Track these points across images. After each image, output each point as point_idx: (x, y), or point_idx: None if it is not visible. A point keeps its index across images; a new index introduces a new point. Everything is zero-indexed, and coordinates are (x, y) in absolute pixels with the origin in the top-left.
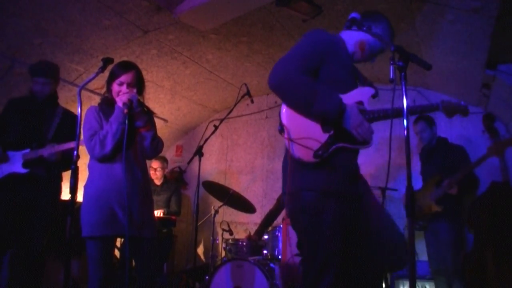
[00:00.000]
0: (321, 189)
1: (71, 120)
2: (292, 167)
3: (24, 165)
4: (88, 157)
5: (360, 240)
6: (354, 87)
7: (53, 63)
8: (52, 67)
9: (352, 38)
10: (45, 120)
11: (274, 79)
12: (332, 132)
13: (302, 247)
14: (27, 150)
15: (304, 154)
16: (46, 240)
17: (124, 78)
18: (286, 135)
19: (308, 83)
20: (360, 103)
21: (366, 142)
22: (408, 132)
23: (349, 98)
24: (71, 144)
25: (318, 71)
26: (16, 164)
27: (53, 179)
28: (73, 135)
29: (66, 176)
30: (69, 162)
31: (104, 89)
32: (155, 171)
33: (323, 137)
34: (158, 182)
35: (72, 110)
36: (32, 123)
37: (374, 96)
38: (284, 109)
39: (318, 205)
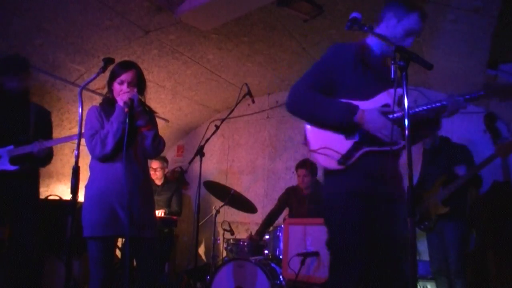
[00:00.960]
0: (347, 190)
1: (46, 116)
2: (322, 173)
3: (11, 162)
4: (90, 157)
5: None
6: (378, 91)
7: (21, 56)
8: (23, 59)
9: (374, 39)
10: (23, 116)
11: (288, 101)
12: (357, 138)
13: (330, 245)
14: (11, 147)
15: (328, 163)
16: (38, 236)
17: (125, 77)
18: (309, 147)
19: (318, 99)
20: (386, 105)
21: (395, 143)
22: (409, 132)
23: (373, 103)
24: (59, 141)
25: (335, 84)
26: (1, 162)
27: (38, 175)
28: (49, 132)
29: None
30: (50, 158)
31: (105, 89)
32: (155, 171)
33: (346, 146)
34: (158, 182)
35: (73, 110)
36: (9, 119)
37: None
38: (307, 124)
39: (344, 204)
